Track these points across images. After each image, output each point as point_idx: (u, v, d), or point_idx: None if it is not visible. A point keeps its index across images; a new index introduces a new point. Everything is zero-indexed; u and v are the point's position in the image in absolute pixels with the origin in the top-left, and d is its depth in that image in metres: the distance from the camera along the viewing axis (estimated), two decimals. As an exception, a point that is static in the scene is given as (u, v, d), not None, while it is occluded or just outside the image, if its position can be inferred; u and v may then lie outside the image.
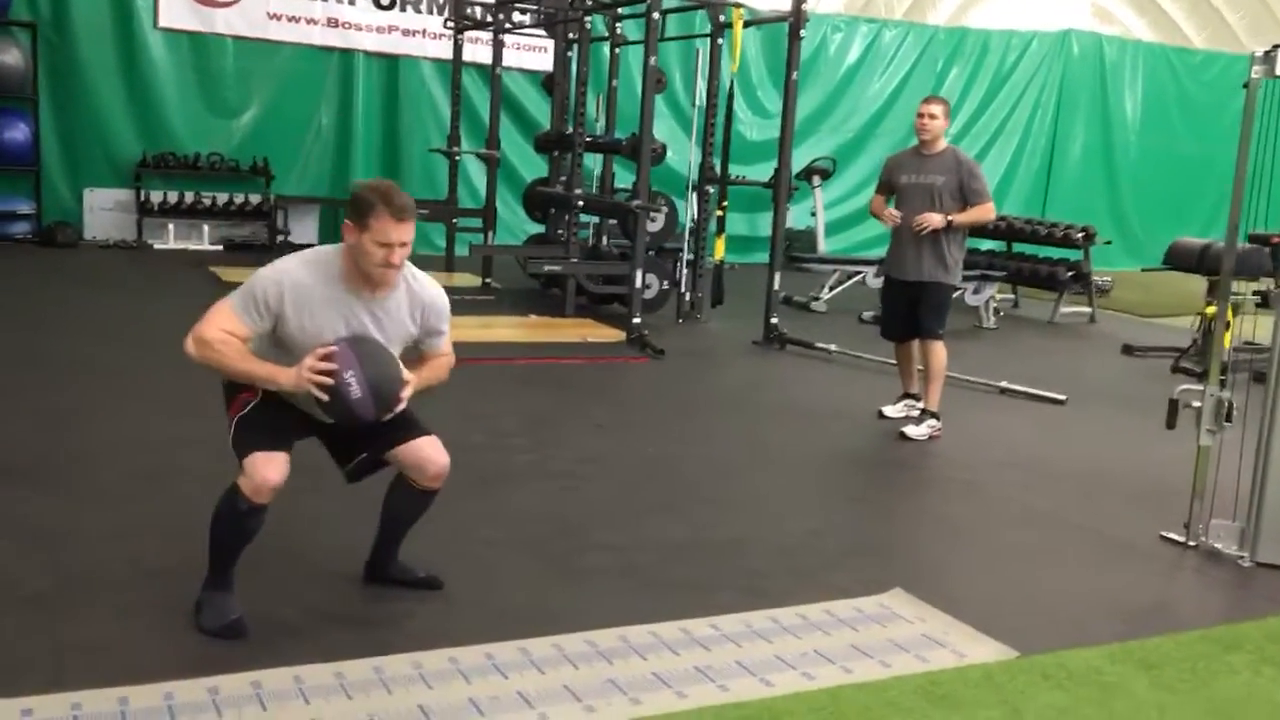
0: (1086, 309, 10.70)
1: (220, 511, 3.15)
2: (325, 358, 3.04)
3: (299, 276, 3.15)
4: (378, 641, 3.19)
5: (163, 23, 11.39)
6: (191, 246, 11.58)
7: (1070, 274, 10.45)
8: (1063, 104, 15.78)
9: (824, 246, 12.86)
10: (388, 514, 3.50)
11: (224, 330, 3.09)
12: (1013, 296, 11.24)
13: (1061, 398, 6.95)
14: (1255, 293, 8.07)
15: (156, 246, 11.45)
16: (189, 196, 11.65)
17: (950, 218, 5.75)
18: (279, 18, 11.85)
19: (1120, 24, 16.08)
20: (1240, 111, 15.39)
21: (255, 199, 11.92)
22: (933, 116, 5.86)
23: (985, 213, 5.86)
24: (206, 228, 11.72)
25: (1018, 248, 11.33)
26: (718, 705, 2.96)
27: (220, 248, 11.68)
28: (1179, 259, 9.05)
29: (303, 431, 3.29)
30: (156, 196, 11.53)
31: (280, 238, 11.88)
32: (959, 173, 5.81)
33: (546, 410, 6.03)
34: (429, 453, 3.34)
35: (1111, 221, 15.26)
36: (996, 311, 10.15)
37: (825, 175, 12.91)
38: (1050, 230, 10.91)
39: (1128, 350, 9.03)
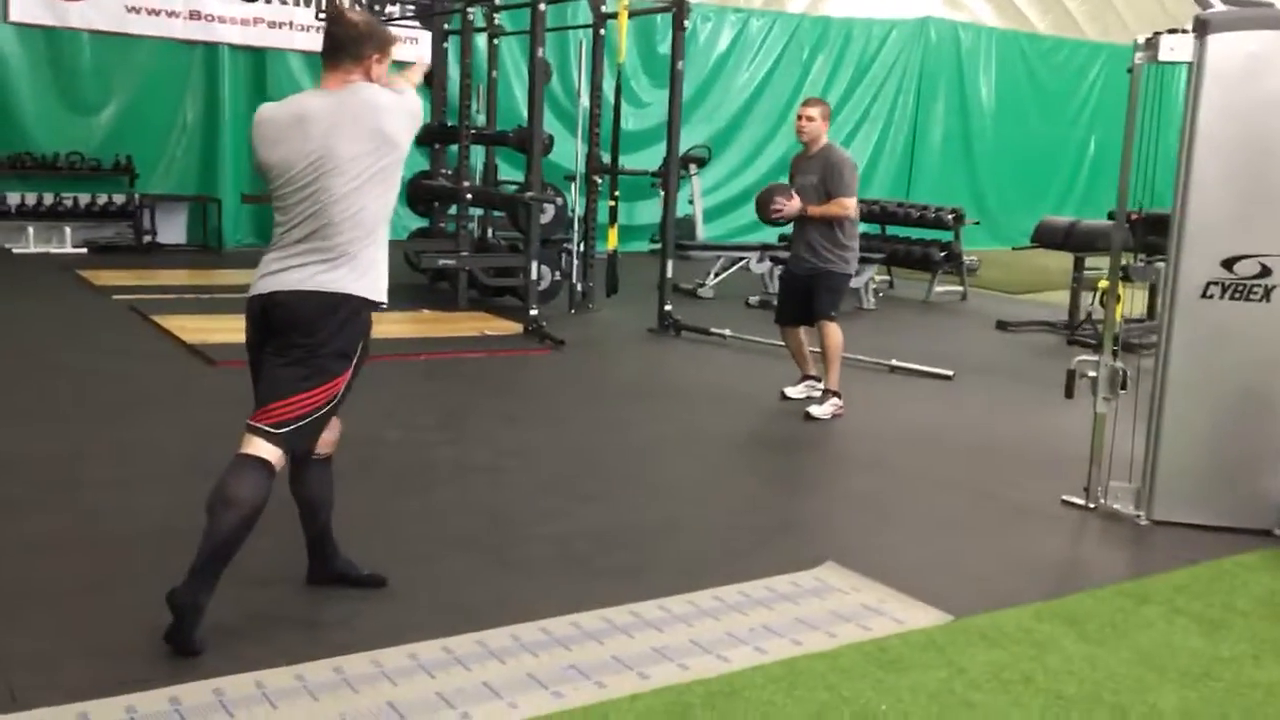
0: (958, 288, 11.11)
1: (256, 500, 3.07)
2: None
3: None
4: (333, 642, 3.17)
5: (13, 16, 10.85)
6: (53, 250, 11.11)
7: (943, 254, 10.83)
8: (923, 90, 16.30)
9: (703, 233, 13.05)
10: (303, 502, 3.46)
11: None
12: (889, 277, 11.59)
13: (949, 373, 7.23)
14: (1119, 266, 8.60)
15: (15, 251, 10.94)
16: (48, 198, 11.17)
17: (809, 209, 5.97)
18: (138, 11, 11.41)
19: (968, 10, 16.64)
20: (1086, 96, 16.13)
21: (119, 199, 11.49)
22: (809, 119, 6.06)
23: (838, 207, 5.98)
24: (68, 230, 11.26)
25: (891, 230, 11.67)
26: (681, 684, 3.03)
27: (84, 250, 11.22)
28: (1046, 237, 9.48)
29: None
30: (13, 199, 11.02)
31: (147, 238, 11.51)
32: (824, 171, 6.00)
33: (458, 404, 6.01)
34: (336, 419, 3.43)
35: (971, 202, 15.81)
36: (876, 293, 10.47)
37: (701, 163, 13.10)
38: (922, 213, 11.28)
39: (1001, 326, 9.41)
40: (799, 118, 6.10)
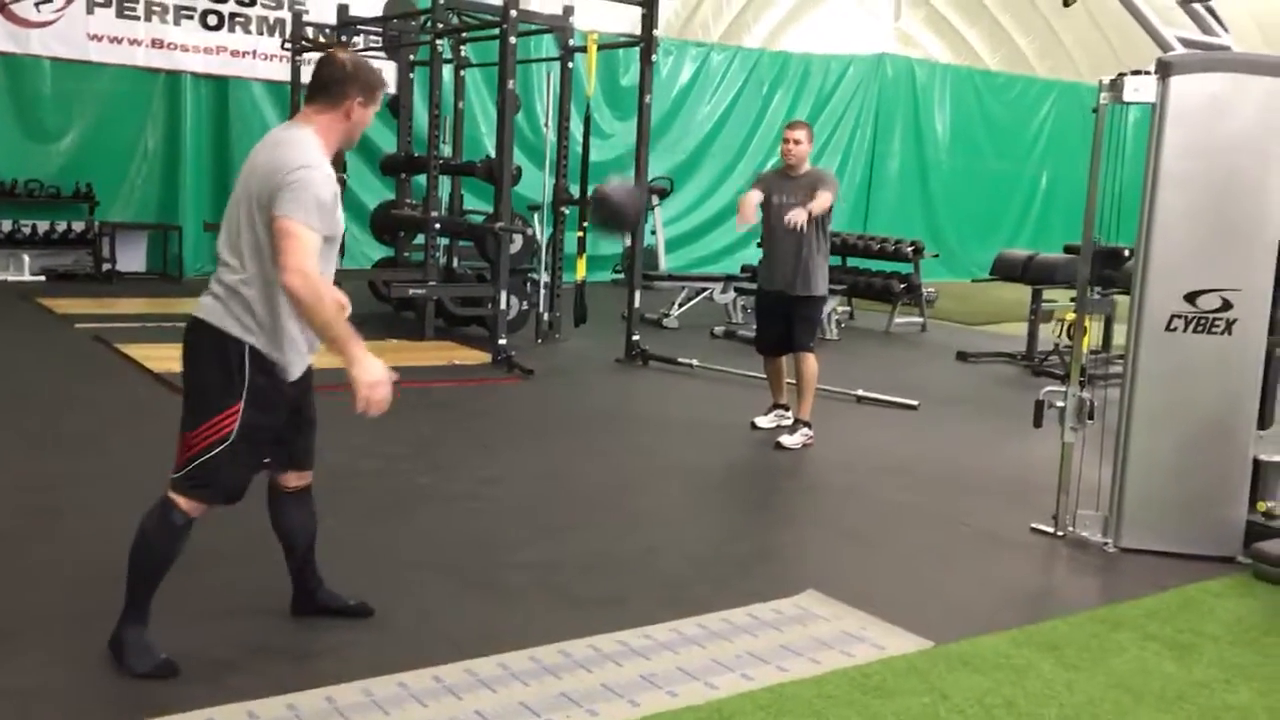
0: (918, 319, 11.27)
1: (150, 531, 3.07)
2: None
3: (326, 165, 3.09)
4: (322, 672, 3.17)
5: (-27, 43, 10.80)
6: (11, 278, 10.98)
7: (903, 286, 10.98)
8: (880, 124, 16.58)
9: (665, 264, 13.15)
10: (285, 535, 3.46)
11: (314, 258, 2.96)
12: (849, 308, 11.72)
13: (914, 403, 7.34)
14: (1073, 299, 8.78)
15: (-29, 278, 10.83)
16: (6, 225, 11.06)
17: (810, 208, 5.91)
18: (100, 39, 11.36)
19: (921, 48, 16.95)
20: (1038, 131, 16.43)
21: (79, 226, 11.40)
22: (797, 142, 6.14)
23: (824, 199, 5.96)
24: (27, 257, 11.14)
25: (851, 262, 11.82)
26: (671, 711, 3.07)
27: (42, 278, 11.11)
28: (1005, 269, 9.66)
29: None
30: (-31, 225, 10.92)
31: (106, 266, 11.40)
32: (814, 188, 6.05)
33: (431, 434, 6.01)
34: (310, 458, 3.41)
35: (927, 234, 16.05)
36: (838, 323, 10.59)
37: (663, 194, 13.21)
38: (883, 245, 11.45)
39: (961, 356, 9.55)
40: (786, 141, 6.14)
